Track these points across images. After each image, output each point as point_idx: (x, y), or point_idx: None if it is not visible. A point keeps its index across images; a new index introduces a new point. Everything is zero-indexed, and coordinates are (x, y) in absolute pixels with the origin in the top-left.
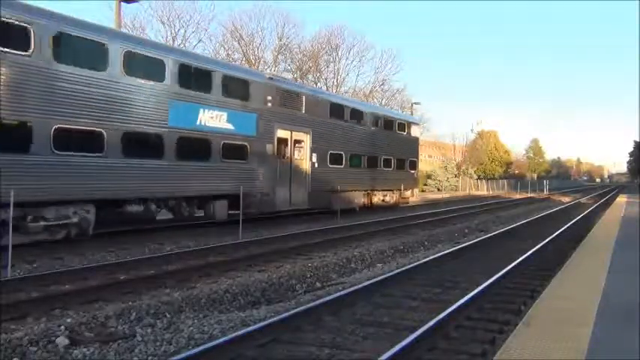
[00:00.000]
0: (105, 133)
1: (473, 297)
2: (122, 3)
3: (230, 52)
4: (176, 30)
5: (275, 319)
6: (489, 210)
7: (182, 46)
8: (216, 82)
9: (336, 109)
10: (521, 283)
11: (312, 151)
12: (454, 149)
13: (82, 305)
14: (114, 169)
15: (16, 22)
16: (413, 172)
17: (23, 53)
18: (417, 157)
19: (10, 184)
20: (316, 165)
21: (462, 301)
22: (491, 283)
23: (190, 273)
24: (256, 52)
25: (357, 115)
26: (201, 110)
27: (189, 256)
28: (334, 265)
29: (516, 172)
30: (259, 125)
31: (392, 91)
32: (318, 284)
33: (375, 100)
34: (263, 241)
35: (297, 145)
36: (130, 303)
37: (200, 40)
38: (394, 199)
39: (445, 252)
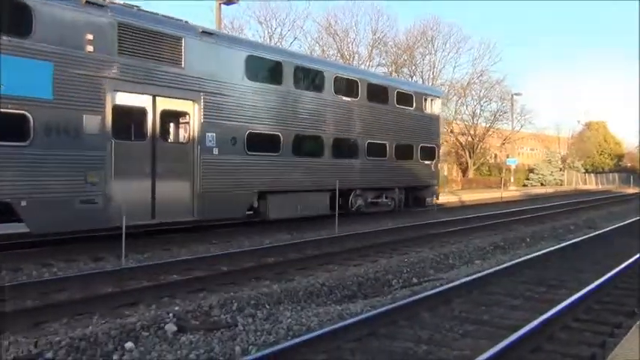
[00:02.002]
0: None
1: (581, 297)
2: (222, 5)
3: (325, 49)
4: (273, 29)
5: (372, 313)
6: (598, 205)
7: (278, 44)
8: None
9: (260, 66)
10: (636, 284)
11: (205, 129)
12: (559, 142)
13: (188, 294)
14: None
15: None
16: (429, 163)
17: None
18: (438, 143)
19: None
20: (215, 152)
21: (568, 300)
22: (601, 284)
23: (288, 266)
24: (350, 48)
25: (304, 77)
26: None
27: (287, 250)
28: (431, 260)
29: (629, 165)
30: (59, 83)
31: (491, 83)
32: (414, 280)
33: (474, 92)
34: (358, 236)
35: (170, 120)
36: (232, 293)
37: (295, 38)
38: (397, 200)
39: (549, 249)
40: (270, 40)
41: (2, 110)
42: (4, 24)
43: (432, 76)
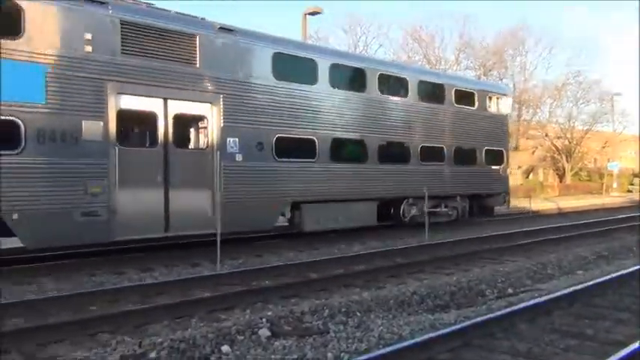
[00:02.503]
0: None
1: None
2: (307, 16)
3: (411, 55)
4: (357, 37)
5: (466, 323)
6: None
7: (364, 52)
8: None
9: (289, 63)
10: None
11: (226, 133)
12: None
13: (280, 300)
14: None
15: None
16: (496, 168)
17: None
18: (506, 146)
19: None
20: (238, 158)
21: None
22: None
23: (378, 273)
24: (437, 52)
25: (341, 74)
26: None
27: (376, 257)
28: (527, 270)
29: None
30: (52, 87)
31: (588, 83)
32: (510, 290)
33: (569, 93)
34: (449, 244)
35: (184, 124)
36: (323, 300)
37: (380, 45)
38: (460, 209)
39: None
40: (355, 48)
41: None
42: None
43: (523, 78)
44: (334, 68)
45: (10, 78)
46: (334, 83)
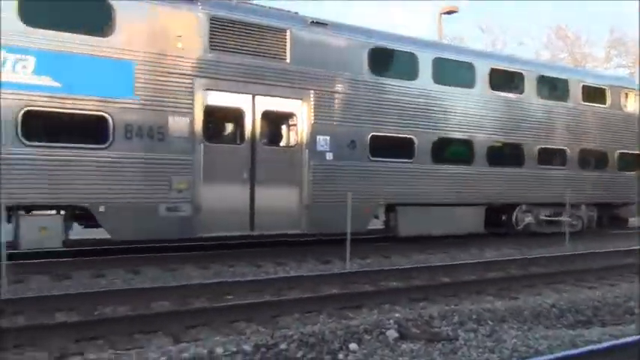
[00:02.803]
0: None
1: None
2: (443, 15)
3: (555, 53)
4: (495, 36)
5: (613, 343)
6: None
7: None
8: None
9: (388, 58)
10: None
11: (316, 131)
12: None
13: (409, 303)
14: None
15: None
16: (631, 174)
17: None
18: None
19: None
20: (328, 157)
21: None
22: None
23: (512, 282)
24: (583, 49)
25: (447, 70)
26: None
27: (510, 265)
28: None
29: None
30: (141, 83)
31: None
32: None
33: None
34: (593, 255)
35: (273, 121)
36: (453, 306)
37: (521, 44)
38: (586, 219)
39: None
40: (493, 46)
41: (81, 112)
42: (85, 23)
43: None
44: (438, 62)
45: (101, 74)
46: (437, 78)
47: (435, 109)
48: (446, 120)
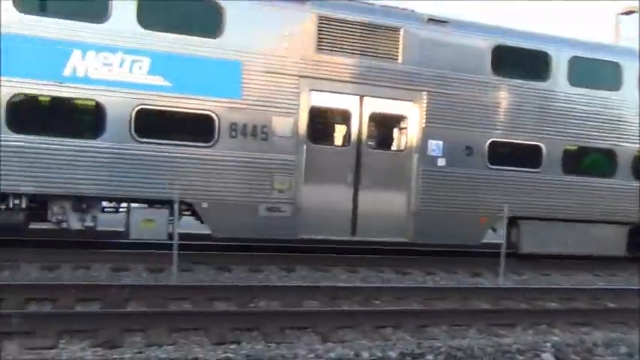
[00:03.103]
0: None
1: None
2: (620, 16)
3: None
4: None
5: None
6: None
7: None
8: None
9: (514, 57)
10: None
11: (428, 135)
12: None
13: (569, 326)
14: None
15: None
16: None
17: None
18: None
19: None
20: (440, 162)
21: None
22: None
23: None
24: None
25: (580, 69)
26: None
27: None
28: None
29: None
30: (247, 82)
31: None
32: None
33: None
34: None
35: (381, 123)
36: (620, 334)
37: None
38: None
39: None
40: None
41: (189, 110)
42: (196, 25)
43: None
44: (575, 62)
45: (210, 74)
46: (574, 80)
47: (569, 114)
48: (582, 126)
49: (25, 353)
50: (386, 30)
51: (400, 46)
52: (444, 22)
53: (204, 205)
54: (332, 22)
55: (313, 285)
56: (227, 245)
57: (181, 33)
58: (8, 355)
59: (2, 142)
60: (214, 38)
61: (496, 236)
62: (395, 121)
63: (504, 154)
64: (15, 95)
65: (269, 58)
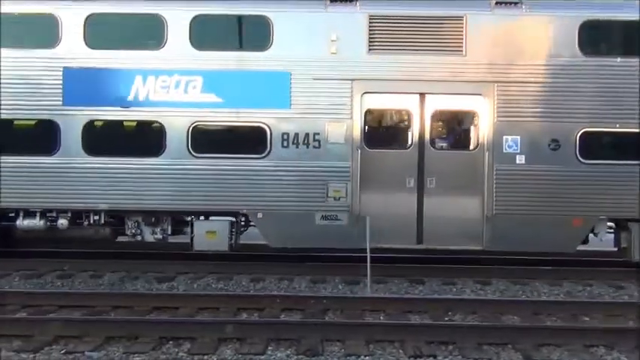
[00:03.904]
0: None
1: None
2: None
3: None
4: None
5: None
6: None
7: None
8: None
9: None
10: None
11: (501, 130)
12: None
13: None
14: None
15: None
16: None
17: None
18: None
19: None
20: (519, 160)
21: None
22: None
23: None
24: None
25: None
26: None
27: None
28: None
29: None
30: (296, 91)
31: None
32: None
33: None
34: None
35: (445, 121)
36: None
37: None
38: None
39: None
40: None
41: (241, 124)
42: (245, 41)
43: None
44: None
45: (260, 87)
46: None
47: None
48: None
49: (240, 359)
50: (446, 20)
51: (464, 37)
52: (516, 2)
53: (260, 215)
54: (384, 20)
55: (512, 299)
56: (420, 257)
57: (231, 50)
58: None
59: (81, 165)
60: (263, 51)
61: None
62: (462, 118)
63: (600, 146)
64: (88, 122)
65: (317, 65)
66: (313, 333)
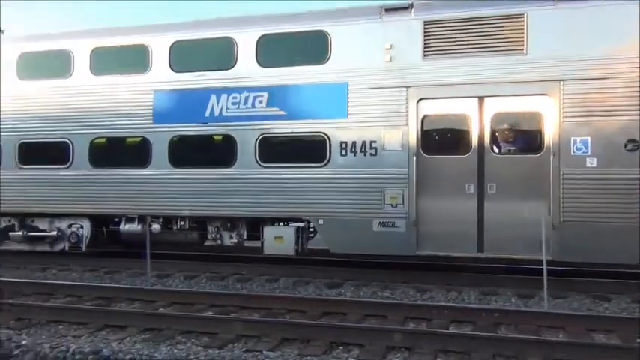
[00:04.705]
0: None
1: None
2: None
3: None
4: None
5: None
6: None
7: None
8: None
9: None
10: None
11: (569, 131)
12: None
13: None
14: None
15: None
16: None
17: None
18: None
19: None
20: (589, 163)
21: None
22: None
23: None
24: None
25: None
26: None
27: None
28: None
29: None
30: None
31: None
32: None
33: None
34: None
35: (506, 124)
36: None
37: None
38: None
39: None
40: None
41: (303, 134)
42: (306, 55)
43: None
44: None
45: (320, 99)
46: None
47: None
48: None
49: None
50: (505, 19)
51: (525, 35)
52: None
53: (321, 221)
54: (439, 24)
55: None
56: (603, 271)
57: (293, 65)
58: None
59: (167, 176)
60: (322, 64)
61: None
62: (525, 120)
63: None
64: (173, 138)
65: (373, 74)
66: (484, 347)
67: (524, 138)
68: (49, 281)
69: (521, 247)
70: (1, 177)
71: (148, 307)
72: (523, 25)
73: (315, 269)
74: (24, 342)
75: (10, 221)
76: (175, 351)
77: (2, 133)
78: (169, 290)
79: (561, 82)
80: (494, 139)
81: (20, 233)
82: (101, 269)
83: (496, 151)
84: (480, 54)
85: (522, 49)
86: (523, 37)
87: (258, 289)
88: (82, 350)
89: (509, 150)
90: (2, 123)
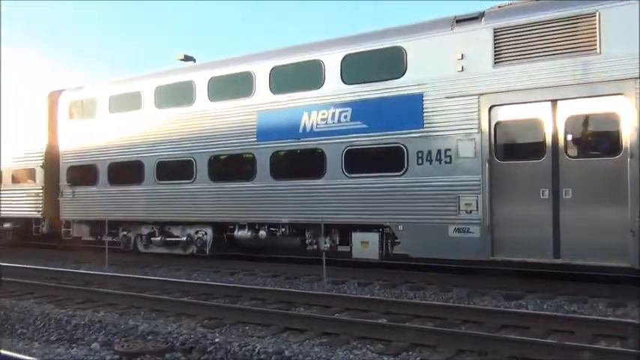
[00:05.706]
0: None
1: None
2: None
3: None
4: None
5: None
6: None
7: None
8: None
9: None
10: None
11: None
12: None
13: None
14: None
15: None
16: None
17: None
18: None
19: None
20: None
21: None
22: None
23: None
24: None
25: None
26: None
27: None
28: None
29: None
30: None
31: None
32: None
33: None
34: None
35: (580, 127)
36: None
37: None
38: None
39: None
40: None
41: (382, 146)
42: (384, 71)
43: None
44: None
45: (397, 111)
46: None
47: None
48: None
49: None
50: (576, 20)
51: (598, 34)
52: None
53: (400, 227)
54: (509, 31)
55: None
56: None
57: (374, 81)
58: None
59: (269, 187)
60: (399, 78)
61: None
62: (600, 121)
63: None
64: (273, 153)
65: (446, 84)
66: None
67: (600, 140)
68: (237, 285)
69: (599, 253)
70: (143, 191)
71: (324, 312)
72: (595, 24)
73: (492, 280)
74: (217, 340)
75: (152, 228)
76: (351, 356)
77: (144, 155)
78: (345, 297)
79: (638, 81)
80: (568, 143)
81: (159, 238)
82: (282, 275)
83: (571, 154)
84: (551, 57)
85: (595, 49)
86: (595, 37)
87: (432, 298)
88: (266, 350)
89: (585, 153)
90: (144, 146)
